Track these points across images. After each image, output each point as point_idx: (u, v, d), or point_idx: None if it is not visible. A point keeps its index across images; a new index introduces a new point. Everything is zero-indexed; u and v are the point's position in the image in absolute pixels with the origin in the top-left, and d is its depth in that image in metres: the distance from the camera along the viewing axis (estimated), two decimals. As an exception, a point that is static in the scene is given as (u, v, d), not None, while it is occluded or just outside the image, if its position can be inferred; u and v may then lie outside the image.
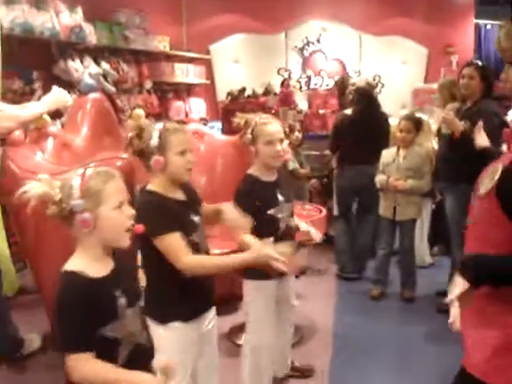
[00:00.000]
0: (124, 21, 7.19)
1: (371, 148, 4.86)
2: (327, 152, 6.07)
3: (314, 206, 4.57)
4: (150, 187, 2.44)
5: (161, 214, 2.34)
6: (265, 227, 2.90)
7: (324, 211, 4.25)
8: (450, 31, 9.55)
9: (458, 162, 4.13)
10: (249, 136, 2.94)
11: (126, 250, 1.94)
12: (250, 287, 3.11)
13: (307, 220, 3.47)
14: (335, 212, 5.56)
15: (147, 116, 6.03)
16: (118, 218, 1.85)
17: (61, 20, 5.77)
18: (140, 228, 1.98)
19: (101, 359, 1.79)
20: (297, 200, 5.06)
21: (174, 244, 2.32)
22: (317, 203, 5.20)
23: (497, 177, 1.82)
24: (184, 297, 2.42)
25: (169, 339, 2.41)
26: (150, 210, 2.34)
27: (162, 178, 2.42)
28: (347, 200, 5.37)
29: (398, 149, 4.71)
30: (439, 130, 4.58)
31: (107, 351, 1.82)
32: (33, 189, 1.78)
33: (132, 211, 1.90)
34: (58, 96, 3.76)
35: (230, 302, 4.55)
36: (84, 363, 1.74)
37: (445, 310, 4.38)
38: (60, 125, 5.01)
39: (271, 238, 2.87)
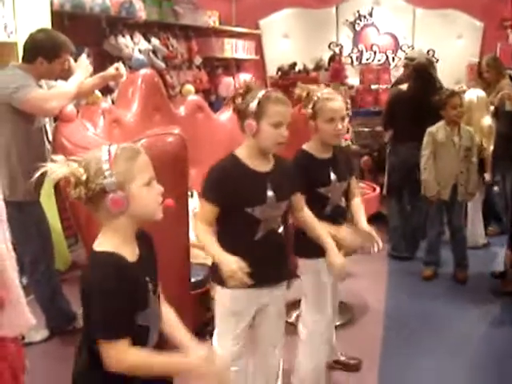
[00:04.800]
0: (173, -5, 7.13)
1: (426, 125, 4.70)
2: (379, 128, 5.96)
3: (367, 183, 4.48)
4: (236, 151, 2.48)
5: (215, 181, 2.38)
6: (312, 205, 2.80)
7: (377, 189, 4.15)
8: (506, 4, 9.19)
9: None
10: (309, 111, 2.84)
11: (146, 233, 1.89)
12: (303, 265, 3.01)
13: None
14: (384, 191, 5.45)
15: (197, 92, 5.98)
16: (148, 195, 1.74)
17: (111, -5, 5.75)
18: (170, 202, 1.92)
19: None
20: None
21: (201, 211, 2.41)
22: (368, 180, 5.10)
23: None
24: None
25: (223, 301, 2.51)
26: (211, 173, 2.40)
27: (252, 142, 2.43)
28: (400, 178, 5.23)
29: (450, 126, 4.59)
30: (496, 108, 4.44)
31: (137, 340, 1.73)
32: (55, 170, 1.66)
33: (160, 188, 1.79)
34: (83, 64, 3.80)
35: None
36: (126, 351, 1.65)
37: (500, 292, 4.34)
38: (111, 101, 5.03)
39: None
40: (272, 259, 2.50)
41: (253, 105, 2.35)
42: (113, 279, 1.65)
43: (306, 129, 2.93)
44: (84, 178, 1.66)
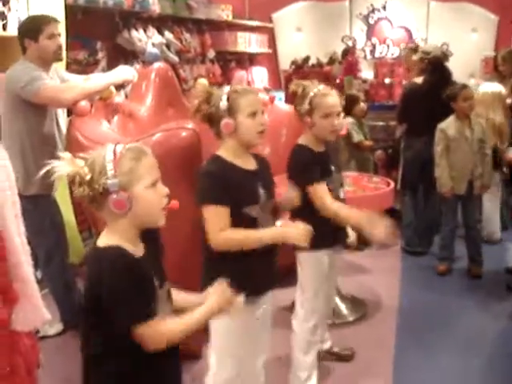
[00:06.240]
0: (187, -11, 7.12)
1: (441, 119, 4.66)
2: (393, 123, 5.93)
3: (382, 178, 4.45)
4: (218, 153, 2.40)
5: (215, 183, 2.30)
6: None
7: (392, 184, 4.12)
8: (521, -2, 9.13)
9: None
10: (306, 106, 2.84)
11: (153, 229, 1.85)
12: (303, 258, 3.03)
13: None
14: (398, 185, 5.42)
15: (210, 85, 5.97)
16: (152, 197, 1.72)
17: (124, -11, 5.74)
18: (176, 204, 1.91)
19: (136, 345, 1.72)
20: (361, 172, 4.98)
21: (215, 218, 2.27)
22: (382, 175, 5.07)
23: None
24: (243, 272, 2.26)
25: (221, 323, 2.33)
26: (207, 178, 2.33)
27: (233, 143, 2.37)
28: (415, 173, 5.19)
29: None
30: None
31: None
32: (60, 168, 1.65)
33: (166, 189, 1.77)
34: (123, 72, 3.78)
35: (292, 273, 4.52)
36: (158, 327, 1.70)
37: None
38: (124, 95, 5.03)
39: None
40: (270, 262, 2.48)
41: (223, 103, 2.30)
42: (125, 270, 1.65)
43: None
44: (88, 177, 1.65)
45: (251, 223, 2.35)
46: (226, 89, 2.35)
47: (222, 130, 2.33)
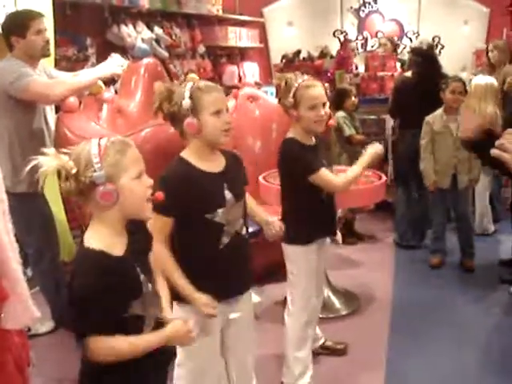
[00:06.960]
0: (176, -16, 7.07)
1: (431, 112, 4.66)
2: (384, 116, 5.92)
3: (373, 171, 4.43)
4: (182, 154, 2.31)
5: (170, 189, 2.12)
6: (310, 193, 2.85)
7: (384, 177, 4.11)
8: (512, -11, 9.11)
9: None
10: (291, 100, 2.78)
11: (139, 222, 1.86)
12: (292, 253, 3.00)
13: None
14: (391, 179, 5.42)
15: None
16: (138, 188, 1.75)
17: (113, -16, 5.71)
18: (160, 195, 1.88)
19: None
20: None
21: (156, 225, 2.12)
22: (374, 168, 5.06)
23: None
24: (209, 277, 2.25)
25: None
26: (163, 183, 2.16)
27: (197, 143, 2.27)
28: (406, 166, 5.18)
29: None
30: (505, 93, 4.40)
31: (132, 331, 1.77)
32: (46, 163, 1.66)
33: (150, 181, 1.80)
34: (113, 63, 3.75)
35: (284, 268, 4.51)
36: (104, 342, 1.70)
37: (507, 281, 4.31)
38: (114, 90, 5.00)
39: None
40: (239, 266, 2.38)
41: (186, 102, 2.19)
42: (97, 279, 1.66)
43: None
44: (74, 171, 1.67)
45: (217, 229, 2.27)
46: (188, 86, 2.23)
47: (185, 129, 2.24)
